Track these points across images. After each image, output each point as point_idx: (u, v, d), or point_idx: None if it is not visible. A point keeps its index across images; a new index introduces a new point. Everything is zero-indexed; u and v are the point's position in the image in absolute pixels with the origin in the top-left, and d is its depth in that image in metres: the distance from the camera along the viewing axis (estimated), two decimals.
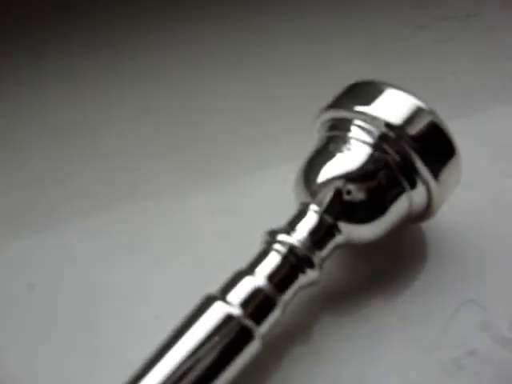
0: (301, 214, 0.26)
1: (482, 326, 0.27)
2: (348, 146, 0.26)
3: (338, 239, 0.26)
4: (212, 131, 0.36)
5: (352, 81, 0.27)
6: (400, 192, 0.26)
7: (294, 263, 0.25)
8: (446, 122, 0.26)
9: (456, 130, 0.26)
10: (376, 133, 0.25)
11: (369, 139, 0.26)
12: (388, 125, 0.25)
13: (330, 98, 0.27)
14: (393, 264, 0.28)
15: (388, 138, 0.25)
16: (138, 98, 0.38)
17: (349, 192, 0.25)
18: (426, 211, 0.27)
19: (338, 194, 0.25)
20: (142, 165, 0.34)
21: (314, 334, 0.26)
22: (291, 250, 0.25)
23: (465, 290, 0.28)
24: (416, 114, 0.25)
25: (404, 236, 0.29)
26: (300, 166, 0.27)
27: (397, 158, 0.25)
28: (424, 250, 0.29)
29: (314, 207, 0.26)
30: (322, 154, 0.26)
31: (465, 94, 0.37)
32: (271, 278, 0.24)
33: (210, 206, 0.31)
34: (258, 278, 0.24)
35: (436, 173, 0.26)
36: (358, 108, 0.26)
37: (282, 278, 0.24)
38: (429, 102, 0.26)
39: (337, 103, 0.27)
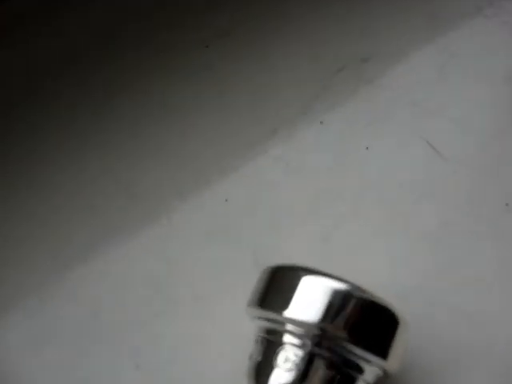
0: None
1: None
2: (286, 354, 0.24)
3: None
4: None
5: None
6: (352, 382, 0.25)
7: None
8: None
9: None
10: (307, 336, 0.24)
11: (303, 343, 0.24)
12: (315, 326, 0.24)
13: None
14: None
15: (320, 338, 0.24)
16: None
17: None
18: (385, 376, 0.26)
19: None
20: None
21: None
22: None
23: None
24: (340, 298, 0.24)
25: None
26: (247, 378, 0.26)
27: (336, 354, 0.24)
28: None
29: None
30: (264, 365, 0.25)
31: None
32: None
33: None
34: None
35: (383, 353, 0.24)
36: (283, 312, 0.24)
37: None
38: None
39: (262, 302, 0.25)
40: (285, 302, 0.24)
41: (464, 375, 0.29)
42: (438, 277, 0.30)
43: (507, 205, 0.31)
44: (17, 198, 0.35)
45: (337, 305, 0.24)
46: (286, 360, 0.24)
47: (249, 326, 0.27)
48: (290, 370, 0.24)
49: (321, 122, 0.36)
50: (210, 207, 0.34)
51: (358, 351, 0.24)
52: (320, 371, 0.24)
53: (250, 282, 0.27)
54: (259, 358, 0.25)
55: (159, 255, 0.33)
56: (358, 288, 0.24)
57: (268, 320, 0.25)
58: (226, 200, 0.34)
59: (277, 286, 0.25)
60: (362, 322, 0.24)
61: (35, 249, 0.34)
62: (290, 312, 0.24)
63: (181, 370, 0.30)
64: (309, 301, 0.24)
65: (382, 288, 0.25)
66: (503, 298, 0.30)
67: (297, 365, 0.24)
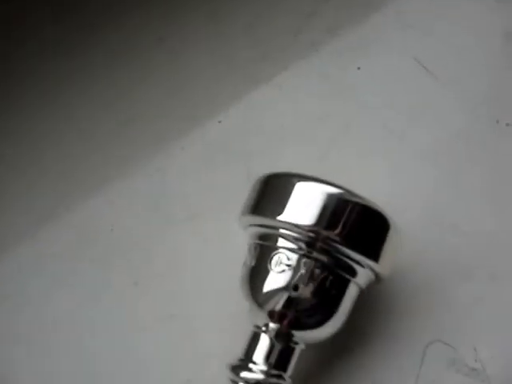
0: (256, 341, 0.25)
1: (451, 363, 0.28)
2: (279, 256, 0.25)
3: (298, 350, 0.25)
4: None
5: None
6: (345, 284, 0.25)
7: None
8: None
9: None
10: (302, 238, 0.25)
11: (297, 246, 0.25)
12: (309, 229, 0.24)
13: None
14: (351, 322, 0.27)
15: (314, 240, 0.24)
16: None
17: (296, 303, 0.25)
18: (376, 280, 0.27)
19: (285, 306, 0.25)
20: None
21: None
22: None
23: (427, 331, 0.28)
24: (333, 202, 0.24)
25: None
26: (241, 284, 0.26)
27: (331, 257, 0.25)
28: (376, 301, 0.29)
29: (266, 329, 0.25)
30: (258, 270, 0.25)
31: None
32: None
33: None
34: None
35: (375, 256, 0.25)
36: (277, 217, 0.25)
37: None
38: None
39: (256, 209, 0.26)
40: (280, 207, 0.25)
41: (452, 289, 0.29)
42: (431, 192, 0.31)
43: (498, 122, 0.32)
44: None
45: (330, 208, 0.24)
46: (281, 263, 0.25)
47: (242, 240, 0.28)
48: (284, 272, 0.25)
49: (312, 45, 0.36)
50: (204, 129, 0.34)
51: (350, 253, 0.24)
52: (314, 273, 0.25)
53: (243, 201, 0.28)
54: (253, 264, 0.26)
55: (155, 180, 0.33)
56: (350, 193, 0.25)
57: (262, 226, 0.26)
58: (220, 122, 0.34)
59: (271, 193, 0.26)
60: (354, 225, 0.24)
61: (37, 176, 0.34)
62: (285, 216, 0.24)
63: (177, 285, 0.30)
64: (303, 205, 0.24)
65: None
66: (493, 214, 0.30)
67: (291, 267, 0.25)
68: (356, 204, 0.24)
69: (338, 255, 0.25)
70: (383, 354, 0.28)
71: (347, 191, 0.25)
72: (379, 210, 0.25)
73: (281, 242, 0.25)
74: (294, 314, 0.25)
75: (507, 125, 0.32)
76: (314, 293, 0.25)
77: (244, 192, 0.28)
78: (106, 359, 0.30)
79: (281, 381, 0.25)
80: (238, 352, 0.26)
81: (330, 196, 0.24)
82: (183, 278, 0.31)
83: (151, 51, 0.37)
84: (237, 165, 0.33)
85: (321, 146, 0.33)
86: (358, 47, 0.35)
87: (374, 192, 0.29)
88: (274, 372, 0.25)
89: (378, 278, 0.26)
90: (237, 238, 0.29)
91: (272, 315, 0.25)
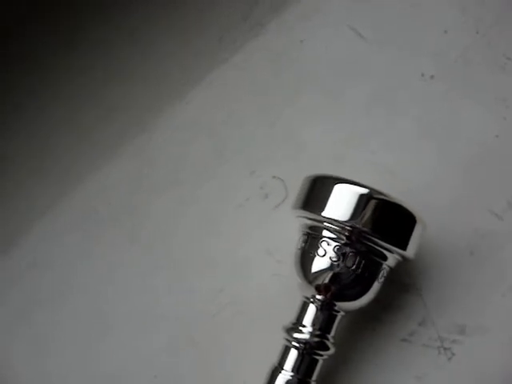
0: (305, 309, 0.32)
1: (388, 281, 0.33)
2: (324, 243, 0.31)
3: (339, 316, 0.32)
4: None
5: None
6: (378, 266, 0.31)
7: (313, 353, 0.31)
8: None
9: None
10: (341, 231, 0.31)
11: (337, 237, 0.31)
12: (348, 224, 0.30)
13: None
14: None
15: (352, 233, 0.30)
16: None
17: (338, 281, 0.31)
18: (404, 260, 0.32)
19: (329, 283, 0.31)
20: None
21: None
22: (307, 343, 0.31)
23: None
24: (366, 201, 0.30)
25: None
26: (294, 264, 0.32)
27: (365, 246, 0.31)
28: None
29: (314, 300, 0.32)
30: (307, 253, 0.32)
31: None
32: (298, 371, 0.31)
33: None
34: (287, 375, 0.31)
35: (403, 245, 0.31)
36: (321, 213, 0.31)
37: (306, 368, 0.31)
38: None
39: (305, 205, 0.32)
40: (323, 205, 0.31)
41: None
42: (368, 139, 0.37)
43: (423, 75, 0.37)
44: None
45: (362, 206, 0.30)
46: (325, 250, 0.31)
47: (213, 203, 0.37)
48: (328, 257, 0.31)
49: (260, 25, 0.40)
50: (175, 110, 0.40)
51: (381, 242, 0.30)
52: (351, 258, 0.31)
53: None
54: (304, 248, 0.32)
55: (139, 158, 0.39)
56: (377, 191, 0.30)
57: (310, 219, 0.32)
58: (187, 103, 0.40)
59: (316, 192, 0.31)
60: (381, 218, 0.30)
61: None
62: (327, 212, 0.30)
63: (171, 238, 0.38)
64: (341, 203, 0.30)
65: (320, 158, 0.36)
66: (423, 157, 0.37)
67: (333, 254, 0.31)
68: (382, 200, 0.30)
69: (371, 244, 0.31)
70: None
71: (374, 190, 0.30)
72: (402, 204, 0.30)
73: (325, 232, 0.31)
74: (336, 289, 0.31)
75: (431, 77, 0.37)
76: (353, 273, 0.31)
77: (212, 161, 0.38)
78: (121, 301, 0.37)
79: (325, 340, 0.31)
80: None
81: (362, 196, 0.30)
82: (175, 233, 0.38)
83: (119, 49, 0.42)
84: (205, 139, 0.39)
85: (273, 114, 0.39)
86: (300, 22, 0.40)
87: (322, 150, 0.37)
88: (320, 333, 0.31)
89: (404, 258, 0.32)
90: (210, 202, 0.37)
91: (318, 289, 0.31)
